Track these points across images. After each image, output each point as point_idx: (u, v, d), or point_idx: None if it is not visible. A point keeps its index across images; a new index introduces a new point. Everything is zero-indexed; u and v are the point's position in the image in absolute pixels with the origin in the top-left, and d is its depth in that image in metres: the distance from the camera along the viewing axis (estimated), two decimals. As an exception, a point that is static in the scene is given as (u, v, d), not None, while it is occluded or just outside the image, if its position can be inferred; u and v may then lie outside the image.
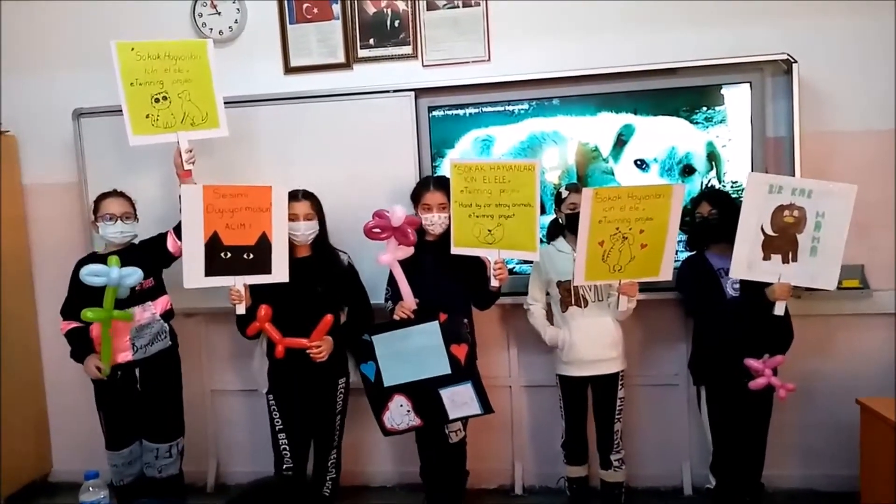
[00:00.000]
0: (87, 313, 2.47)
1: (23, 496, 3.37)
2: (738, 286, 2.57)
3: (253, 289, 2.61)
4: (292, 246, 2.67)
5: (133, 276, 2.55)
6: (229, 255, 2.55)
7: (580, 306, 2.70)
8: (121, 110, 2.61)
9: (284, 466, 2.74)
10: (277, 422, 2.76)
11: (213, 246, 2.53)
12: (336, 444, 2.80)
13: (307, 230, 2.66)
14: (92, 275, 2.49)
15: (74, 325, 2.66)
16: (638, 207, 2.43)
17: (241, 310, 2.57)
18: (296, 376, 2.68)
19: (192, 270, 2.53)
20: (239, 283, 2.56)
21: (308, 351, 2.57)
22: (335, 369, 2.72)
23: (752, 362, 2.50)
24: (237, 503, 2.94)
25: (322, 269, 2.71)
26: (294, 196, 2.67)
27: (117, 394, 2.70)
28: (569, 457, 2.88)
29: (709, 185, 2.89)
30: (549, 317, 2.83)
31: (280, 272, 2.58)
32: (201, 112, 2.69)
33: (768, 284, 2.46)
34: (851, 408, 2.65)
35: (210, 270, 2.54)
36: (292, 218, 2.64)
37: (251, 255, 2.56)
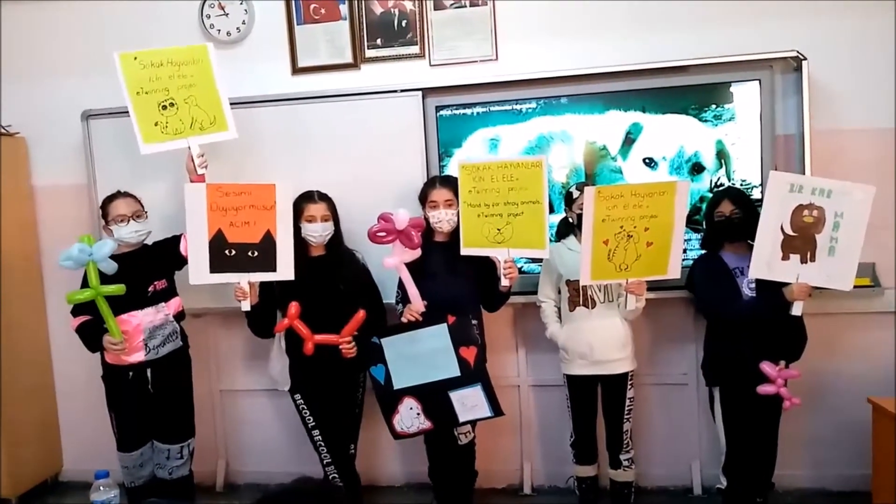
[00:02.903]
0: (76, 295, 2.44)
1: (33, 495, 3.40)
2: (753, 286, 2.55)
3: (272, 287, 2.61)
4: (307, 245, 2.69)
5: (106, 245, 2.50)
6: (234, 252, 2.55)
7: (588, 307, 2.69)
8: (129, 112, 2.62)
9: (325, 462, 2.76)
10: (309, 419, 2.76)
11: (218, 243, 2.54)
12: (356, 437, 2.84)
13: (324, 231, 2.68)
14: (67, 259, 2.44)
15: (84, 318, 2.65)
16: (641, 205, 2.42)
17: (245, 307, 2.58)
18: (320, 372, 2.68)
19: (197, 267, 2.54)
20: (244, 279, 2.56)
21: (340, 346, 2.58)
22: (356, 364, 2.71)
23: (767, 368, 2.48)
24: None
25: (339, 267, 2.72)
26: (310, 198, 2.69)
27: (129, 395, 2.70)
28: (578, 456, 2.87)
29: (718, 182, 2.87)
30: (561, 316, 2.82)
31: (285, 270, 2.57)
32: (209, 116, 2.69)
33: (785, 284, 2.44)
34: (863, 406, 2.64)
35: (215, 267, 2.54)
36: (310, 220, 2.66)
37: (256, 253, 2.56)
